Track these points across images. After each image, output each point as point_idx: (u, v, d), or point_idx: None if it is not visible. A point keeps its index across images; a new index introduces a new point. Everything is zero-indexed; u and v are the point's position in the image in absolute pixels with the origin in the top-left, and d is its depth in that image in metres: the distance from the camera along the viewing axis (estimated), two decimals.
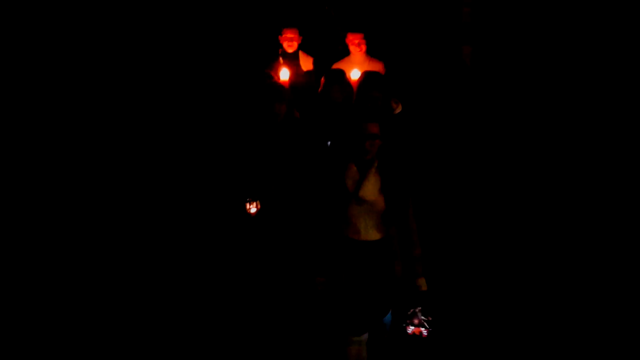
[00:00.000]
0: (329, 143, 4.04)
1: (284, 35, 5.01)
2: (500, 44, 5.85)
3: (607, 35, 5.64)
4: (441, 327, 3.75)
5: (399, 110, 4.01)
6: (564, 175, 5.39)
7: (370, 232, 3.12)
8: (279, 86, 3.89)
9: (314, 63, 5.11)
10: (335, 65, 4.85)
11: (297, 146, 3.88)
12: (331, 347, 3.60)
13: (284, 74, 4.66)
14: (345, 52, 5.05)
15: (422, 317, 3.15)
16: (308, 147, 3.92)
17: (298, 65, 5.01)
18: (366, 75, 3.97)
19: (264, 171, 3.86)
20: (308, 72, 5.03)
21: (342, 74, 4.25)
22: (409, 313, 3.14)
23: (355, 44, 4.85)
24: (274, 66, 4.84)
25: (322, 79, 4.25)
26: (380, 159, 3.13)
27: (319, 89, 4.27)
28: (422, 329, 3.13)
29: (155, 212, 5.05)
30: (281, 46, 5.04)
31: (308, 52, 5.16)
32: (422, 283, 3.16)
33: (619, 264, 4.32)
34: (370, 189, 3.08)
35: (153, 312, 4.01)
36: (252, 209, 3.84)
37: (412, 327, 3.13)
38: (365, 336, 3.25)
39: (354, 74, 4.51)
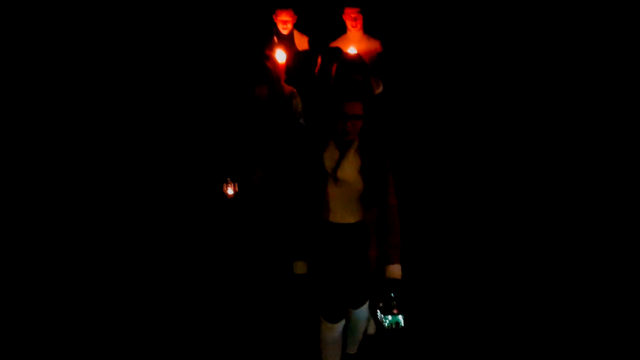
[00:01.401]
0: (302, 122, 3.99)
1: (278, 17, 4.90)
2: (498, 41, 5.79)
3: (607, 35, 5.58)
4: (425, 320, 3.82)
5: (379, 90, 3.91)
6: (554, 166, 5.36)
7: (347, 215, 3.03)
8: (262, 68, 3.77)
9: (310, 42, 5.03)
10: (332, 44, 4.78)
11: (278, 128, 3.78)
12: (307, 333, 3.65)
13: (280, 56, 4.60)
14: (342, 30, 4.98)
15: (395, 305, 2.97)
16: (289, 130, 3.82)
17: (293, 46, 4.92)
18: (344, 60, 3.86)
19: (243, 153, 3.78)
20: (304, 51, 4.95)
21: (339, 52, 4.21)
22: (381, 305, 3.00)
23: (352, 18, 4.75)
24: (268, 47, 4.77)
25: (319, 58, 4.20)
26: (362, 139, 3.02)
27: (316, 69, 4.23)
28: (399, 319, 2.97)
29: (133, 196, 5.07)
30: (276, 25, 4.93)
31: (303, 31, 5.06)
32: (397, 270, 3.00)
33: (614, 264, 4.27)
34: (349, 170, 2.98)
35: (132, 295, 4.04)
36: (230, 190, 3.72)
37: (389, 319, 2.99)
38: (341, 323, 3.22)
39: (352, 52, 4.46)
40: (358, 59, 3.82)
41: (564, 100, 5.63)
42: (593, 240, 4.52)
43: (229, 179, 3.72)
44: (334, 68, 3.89)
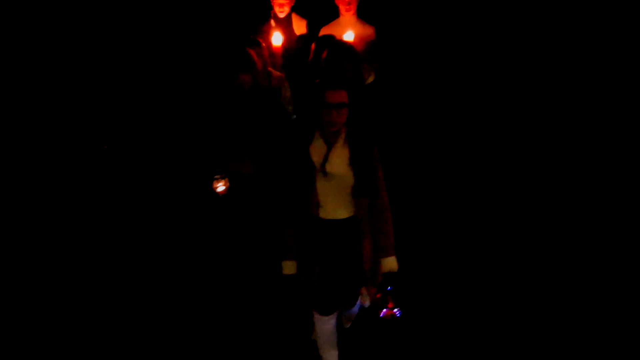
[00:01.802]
0: (294, 116, 3.91)
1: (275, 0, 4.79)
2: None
3: (607, 35, 5.45)
4: (419, 311, 3.74)
5: (371, 79, 3.80)
6: (549, 155, 5.25)
7: (339, 210, 2.94)
8: (245, 55, 3.66)
9: (308, 26, 4.92)
10: (324, 30, 4.66)
11: (263, 118, 3.65)
12: (301, 325, 3.59)
13: (277, 39, 4.51)
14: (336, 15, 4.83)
15: (391, 297, 2.95)
16: (275, 120, 3.70)
17: (291, 30, 4.81)
18: (334, 46, 3.74)
19: (229, 145, 3.64)
20: (302, 35, 4.85)
21: (333, 39, 4.11)
22: (379, 296, 2.98)
23: (345, 2, 4.61)
24: (264, 31, 4.70)
25: (313, 46, 4.10)
26: (349, 129, 2.91)
27: (310, 57, 4.12)
28: (395, 310, 2.96)
29: (121, 191, 5.00)
30: (272, 9, 4.81)
31: (301, 15, 4.94)
32: (392, 262, 2.97)
33: (615, 264, 4.18)
34: (338, 163, 2.88)
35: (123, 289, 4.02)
36: (220, 187, 3.56)
37: (384, 310, 2.96)
38: (334, 315, 3.17)
39: (348, 36, 4.36)
40: (349, 46, 3.71)
41: (558, 93, 5.52)
42: (593, 239, 4.42)
43: (218, 175, 3.57)
44: (324, 55, 3.78)
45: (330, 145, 2.90)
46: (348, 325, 3.57)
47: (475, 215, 4.78)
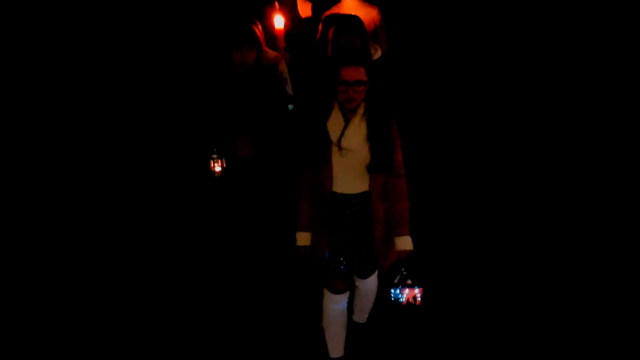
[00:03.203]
0: (290, 107, 3.77)
1: None
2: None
3: (607, 35, 5.41)
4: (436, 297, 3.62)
5: (378, 55, 3.68)
6: (554, 149, 5.18)
7: (353, 185, 2.92)
8: (249, 30, 3.51)
9: (313, 9, 4.75)
10: (327, 13, 4.46)
11: (262, 97, 3.52)
12: (311, 305, 3.50)
13: (279, 22, 4.36)
14: None
15: (409, 281, 2.83)
16: (273, 99, 3.57)
17: (296, 12, 4.65)
18: (340, 19, 3.64)
19: (224, 124, 3.52)
20: (306, 19, 4.69)
21: (339, 15, 3.94)
22: (396, 281, 2.84)
23: None
24: (266, 12, 4.53)
25: (320, 26, 3.98)
26: (368, 105, 2.87)
27: (317, 37, 3.99)
28: (416, 292, 2.81)
29: (112, 181, 4.91)
30: None
31: None
32: (407, 242, 2.91)
33: (615, 264, 4.05)
34: (355, 139, 2.85)
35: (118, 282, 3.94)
36: (217, 167, 3.45)
37: (405, 295, 2.82)
38: (345, 296, 3.09)
39: None
40: (355, 20, 3.58)
41: (562, 91, 5.49)
42: (593, 238, 4.30)
43: (215, 154, 3.46)
44: (330, 31, 3.64)
45: (348, 120, 2.88)
46: (363, 321, 3.48)
47: (476, 209, 4.70)
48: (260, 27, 3.93)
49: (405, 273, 2.85)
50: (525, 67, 5.49)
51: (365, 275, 3.13)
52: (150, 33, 5.44)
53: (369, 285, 3.23)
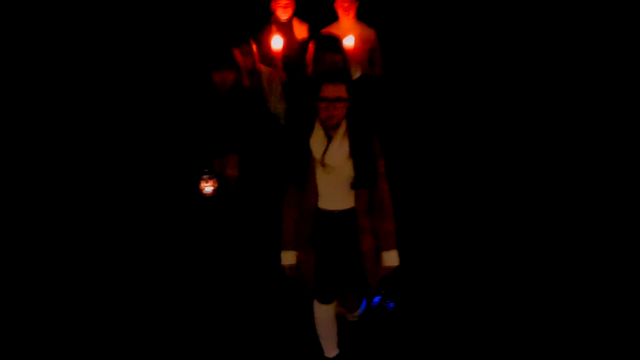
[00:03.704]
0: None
1: (278, 2, 4.68)
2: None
3: (607, 35, 5.47)
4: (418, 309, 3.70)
5: (357, 74, 3.77)
6: (549, 152, 5.25)
7: (338, 202, 2.95)
8: (227, 53, 3.59)
9: (309, 30, 4.83)
10: (324, 31, 4.56)
11: (245, 118, 3.58)
12: (299, 313, 3.54)
13: (277, 43, 4.43)
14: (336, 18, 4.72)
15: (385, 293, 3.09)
16: (256, 120, 3.63)
17: (292, 34, 4.73)
18: (321, 39, 3.74)
19: (213, 145, 3.55)
20: (303, 40, 4.76)
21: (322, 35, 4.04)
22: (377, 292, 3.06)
23: (344, 7, 4.51)
24: (264, 32, 4.61)
25: (310, 44, 4.05)
26: (350, 122, 2.92)
27: (307, 55, 4.06)
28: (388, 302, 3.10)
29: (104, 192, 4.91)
30: (274, 13, 4.74)
31: (302, 19, 4.85)
32: (393, 257, 2.97)
33: (615, 264, 4.12)
34: (338, 155, 2.89)
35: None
36: (208, 188, 3.42)
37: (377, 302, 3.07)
38: (334, 305, 3.14)
39: (348, 40, 4.27)
40: (334, 38, 3.69)
41: (559, 93, 5.53)
42: (593, 239, 4.38)
43: (205, 175, 3.44)
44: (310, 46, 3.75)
45: (330, 138, 2.92)
46: (355, 319, 3.48)
47: (475, 211, 4.76)
48: (254, 46, 4.02)
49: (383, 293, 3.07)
50: (512, 84, 5.57)
51: (351, 306, 3.19)
52: (141, 52, 5.48)
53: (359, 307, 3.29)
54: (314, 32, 4.79)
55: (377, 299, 3.08)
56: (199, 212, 3.66)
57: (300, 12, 4.84)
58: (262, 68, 4.09)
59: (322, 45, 3.61)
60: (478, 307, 3.76)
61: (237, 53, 3.68)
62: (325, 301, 3.11)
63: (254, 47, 4.14)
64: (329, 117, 2.86)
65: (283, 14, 4.71)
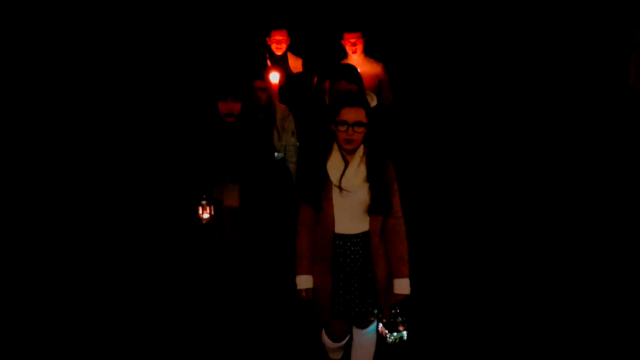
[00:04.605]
0: (276, 154, 3.82)
1: (272, 38, 4.83)
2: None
3: (607, 35, 5.67)
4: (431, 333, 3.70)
5: (374, 104, 3.83)
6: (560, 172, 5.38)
7: (353, 225, 2.94)
8: (228, 83, 3.52)
9: (304, 64, 4.94)
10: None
11: (252, 147, 3.53)
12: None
13: (274, 77, 4.48)
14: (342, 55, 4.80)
15: (401, 322, 2.98)
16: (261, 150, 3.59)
17: (287, 68, 4.85)
18: (337, 69, 3.76)
19: (213, 172, 3.47)
20: (298, 74, 4.86)
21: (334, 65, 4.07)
22: (385, 322, 2.98)
23: (352, 43, 4.59)
24: (262, 69, 4.63)
25: (315, 78, 4.09)
26: (368, 147, 2.95)
27: (312, 88, 4.11)
28: (404, 334, 2.98)
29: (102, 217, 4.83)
30: (269, 48, 4.86)
31: (297, 54, 4.98)
32: (405, 285, 2.95)
33: (615, 264, 4.26)
34: (355, 179, 2.90)
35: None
36: (205, 214, 3.34)
37: (393, 335, 2.98)
38: (345, 341, 3.14)
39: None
40: (352, 69, 3.72)
41: (562, 98, 5.70)
42: (593, 240, 4.49)
43: (204, 201, 3.38)
44: (326, 83, 3.78)
45: (347, 162, 2.92)
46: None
47: (487, 230, 4.80)
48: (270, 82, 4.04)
49: (398, 312, 2.98)
50: (516, 113, 5.72)
51: (363, 324, 3.14)
52: (147, 78, 5.42)
53: (367, 337, 3.21)
54: (308, 66, 4.87)
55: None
56: (196, 238, 3.56)
57: (294, 48, 4.92)
58: (278, 105, 4.09)
59: (339, 74, 3.63)
60: (478, 308, 3.83)
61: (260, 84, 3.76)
62: (336, 338, 3.10)
63: (271, 83, 4.14)
64: (347, 141, 2.86)
65: (278, 49, 4.84)
